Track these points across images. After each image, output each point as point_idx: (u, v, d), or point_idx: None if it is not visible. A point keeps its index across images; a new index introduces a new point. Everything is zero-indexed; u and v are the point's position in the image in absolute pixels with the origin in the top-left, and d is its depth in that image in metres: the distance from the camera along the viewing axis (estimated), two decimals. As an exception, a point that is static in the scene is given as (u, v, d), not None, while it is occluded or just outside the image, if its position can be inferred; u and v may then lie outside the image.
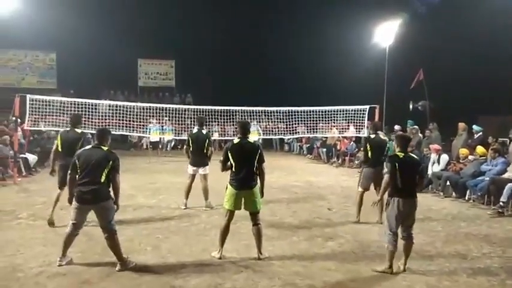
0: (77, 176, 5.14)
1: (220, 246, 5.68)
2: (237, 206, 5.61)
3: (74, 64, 23.13)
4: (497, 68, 17.78)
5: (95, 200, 5.07)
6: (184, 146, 9.04)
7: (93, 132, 13.22)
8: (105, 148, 5.25)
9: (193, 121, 14.23)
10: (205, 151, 8.43)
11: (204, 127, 8.79)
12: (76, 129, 7.12)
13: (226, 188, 5.69)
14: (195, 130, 8.69)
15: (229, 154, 5.61)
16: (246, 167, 5.57)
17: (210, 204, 8.52)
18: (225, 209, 5.71)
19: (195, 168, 8.50)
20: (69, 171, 5.29)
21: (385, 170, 5.54)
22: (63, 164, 6.96)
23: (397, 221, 5.19)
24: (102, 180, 5.05)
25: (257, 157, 5.59)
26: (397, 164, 5.22)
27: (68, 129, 7.27)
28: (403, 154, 5.35)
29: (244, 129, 5.81)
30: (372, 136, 7.87)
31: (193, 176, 8.53)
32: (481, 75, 18.18)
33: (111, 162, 5.11)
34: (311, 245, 6.27)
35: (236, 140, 5.72)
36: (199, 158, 8.45)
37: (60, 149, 7.04)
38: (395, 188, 5.22)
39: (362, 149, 8.49)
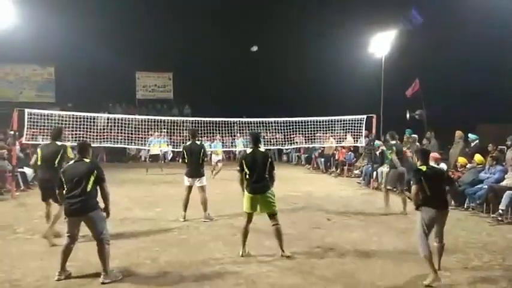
0: (65, 191, 5.26)
1: (242, 246, 6.19)
2: (253, 208, 6.14)
3: (72, 78, 23.18)
4: (494, 76, 17.88)
5: (82, 212, 5.17)
6: (180, 160, 9.17)
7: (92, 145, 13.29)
8: (88, 160, 5.39)
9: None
10: (200, 162, 8.52)
11: (197, 139, 8.88)
12: (56, 142, 7.01)
13: (244, 193, 6.21)
14: (188, 142, 8.80)
15: (244, 163, 6.16)
16: (259, 173, 6.09)
17: (208, 216, 8.53)
18: (244, 213, 6.24)
19: (190, 179, 8.56)
20: (57, 189, 5.42)
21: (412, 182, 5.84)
22: (41, 178, 6.98)
23: (429, 228, 5.39)
24: (88, 189, 5.16)
25: (268, 164, 6.16)
26: (422, 178, 5.41)
27: (49, 142, 7.18)
28: (425, 167, 5.54)
29: (256, 140, 6.40)
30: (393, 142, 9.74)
31: (189, 188, 8.57)
32: (478, 83, 18.26)
33: (95, 172, 5.23)
34: (311, 256, 6.24)
35: (249, 150, 6.32)
36: (195, 170, 8.54)
37: (39, 163, 6.98)
38: (427, 199, 5.41)
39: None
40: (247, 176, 6.13)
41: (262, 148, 6.38)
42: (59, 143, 7.02)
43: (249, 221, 6.21)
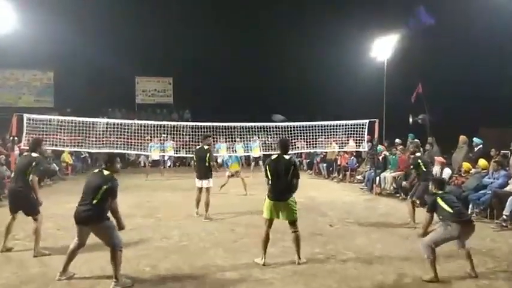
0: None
1: (263, 253, 6.09)
2: (274, 214, 6.11)
3: (72, 82, 23.23)
4: (496, 79, 17.89)
5: (88, 221, 5.13)
6: (192, 162, 10.08)
7: (90, 151, 13.27)
8: (106, 173, 5.26)
9: (192, 137, 14.23)
10: (207, 164, 9.12)
11: (207, 144, 9.41)
12: (32, 154, 6.65)
13: (265, 199, 6.18)
14: (198, 147, 9.63)
15: (267, 168, 6.16)
16: (281, 181, 6.05)
17: (208, 216, 9.05)
18: (264, 218, 6.19)
19: (199, 181, 9.23)
20: None
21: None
22: (11, 187, 6.73)
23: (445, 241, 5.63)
24: (94, 202, 5.08)
25: (291, 172, 6.05)
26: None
27: (26, 154, 6.90)
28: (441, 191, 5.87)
29: (284, 146, 6.43)
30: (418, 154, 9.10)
31: (200, 189, 9.24)
32: (480, 87, 18.28)
33: (105, 186, 5.11)
34: (313, 262, 6.17)
35: (274, 156, 6.30)
36: (202, 172, 9.19)
37: (13, 174, 6.77)
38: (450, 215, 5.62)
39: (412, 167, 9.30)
40: (269, 182, 6.13)
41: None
42: (34, 154, 6.67)
43: (269, 226, 6.16)
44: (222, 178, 12.31)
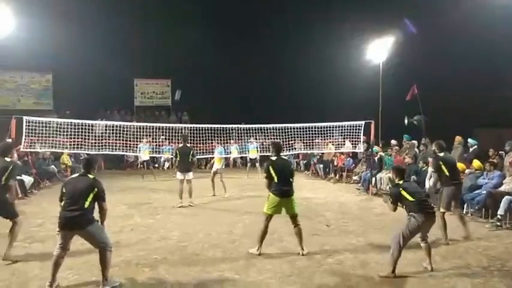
0: (63, 203, 5.16)
1: (259, 244, 6.58)
2: (278, 211, 6.61)
3: (70, 85, 23.17)
4: (492, 80, 17.96)
5: (78, 227, 5.08)
6: (173, 158, 11.29)
7: (88, 152, 13.36)
8: (91, 176, 5.32)
9: (190, 139, 14.35)
10: (189, 161, 10.74)
11: (188, 142, 11.17)
12: (5, 159, 6.50)
13: (269, 196, 6.60)
14: (181, 145, 10.95)
15: (271, 169, 6.59)
16: (286, 179, 6.60)
17: (193, 201, 10.69)
18: (266, 214, 6.59)
19: (182, 174, 10.73)
20: (59, 200, 5.26)
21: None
22: None
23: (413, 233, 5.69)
24: (86, 206, 5.07)
25: (291, 170, 6.83)
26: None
27: None
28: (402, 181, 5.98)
29: (279, 148, 7.05)
30: (441, 154, 7.83)
31: (182, 181, 10.68)
32: (476, 88, 18.35)
33: (96, 189, 5.16)
34: (310, 263, 6.23)
35: (274, 158, 6.80)
36: (185, 166, 10.74)
37: None
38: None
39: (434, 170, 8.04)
40: (275, 181, 6.53)
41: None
42: (7, 159, 6.54)
43: (269, 221, 6.59)
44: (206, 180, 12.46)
